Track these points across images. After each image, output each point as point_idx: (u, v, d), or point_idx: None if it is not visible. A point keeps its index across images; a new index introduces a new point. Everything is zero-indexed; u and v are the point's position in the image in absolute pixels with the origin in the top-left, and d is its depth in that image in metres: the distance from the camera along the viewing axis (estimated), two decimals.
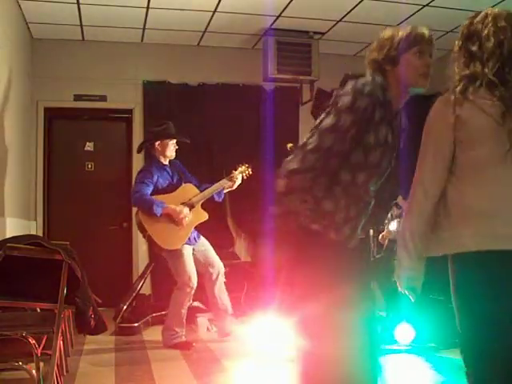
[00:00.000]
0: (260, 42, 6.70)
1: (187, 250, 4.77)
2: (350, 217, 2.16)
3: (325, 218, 2.13)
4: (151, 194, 4.73)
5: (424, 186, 2.09)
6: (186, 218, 4.73)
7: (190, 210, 4.79)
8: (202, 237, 4.94)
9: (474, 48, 2.06)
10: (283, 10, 5.86)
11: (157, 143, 4.90)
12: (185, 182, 4.96)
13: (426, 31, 2.25)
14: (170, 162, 4.95)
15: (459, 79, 2.10)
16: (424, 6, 5.63)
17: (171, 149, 4.92)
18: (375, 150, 2.14)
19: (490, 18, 2.08)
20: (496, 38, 2.03)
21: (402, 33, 2.21)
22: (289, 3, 5.66)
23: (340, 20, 6.11)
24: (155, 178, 4.81)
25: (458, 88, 2.06)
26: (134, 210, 6.70)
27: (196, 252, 4.87)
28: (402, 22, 6.07)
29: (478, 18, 2.11)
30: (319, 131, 2.12)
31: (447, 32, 6.18)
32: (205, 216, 4.95)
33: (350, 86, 2.13)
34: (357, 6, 5.71)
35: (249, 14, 5.92)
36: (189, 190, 4.94)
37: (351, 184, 2.16)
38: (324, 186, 2.14)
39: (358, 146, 2.13)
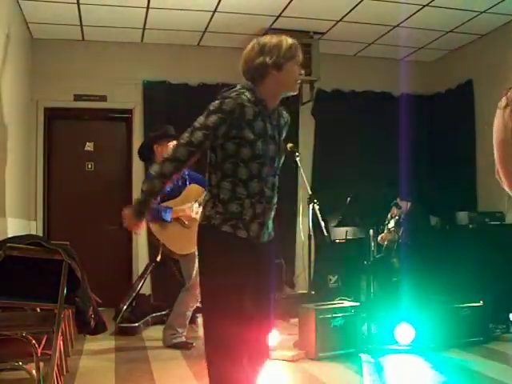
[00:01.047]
0: None
1: None
2: (257, 214, 2.45)
3: (232, 219, 2.41)
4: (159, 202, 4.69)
5: None
6: (196, 211, 4.69)
7: (200, 206, 4.77)
8: None
9: None
10: (283, 10, 5.87)
11: (155, 146, 4.86)
12: (190, 183, 4.94)
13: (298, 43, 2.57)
14: None
15: None
16: (424, 5, 5.63)
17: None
18: (258, 141, 2.42)
19: None
20: None
21: (285, 42, 2.51)
22: (289, 3, 5.66)
23: (340, 20, 6.11)
24: None
25: None
26: None
27: None
28: (402, 22, 6.08)
29: None
30: (191, 129, 2.42)
31: (447, 32, 6.18)
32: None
33: (224, 92, 2.46)
34: (357, 6, 5.71)
35: (249, 14, 5.93)
36: (194, 190, 4.90)
37: (249, 179, 2.43)
38: (228, 190, 2.43)
39: (242, 141, 2.41)
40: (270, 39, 2.54)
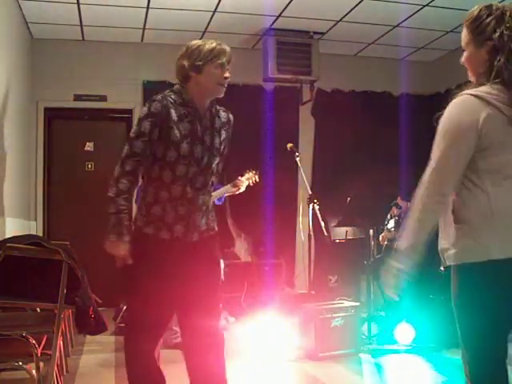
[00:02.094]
0: (260, 42, 6.70)
1: None
2: (180, 216, 2.52)
3: (155, 221, 2.53)
4: None
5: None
6: None
7: None
8: None
9: (499, 36, 1.98)
10: (283, 10, 5.86)
11: None
12: None
13: (227, 48, 2.66)
14: None
15: (478, 76, 2.03)
16: (424, 5, 5.63)
17: None
18: (183, 143, 2.48)
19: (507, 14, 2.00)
20: None
21: (208, 46, 2.58)
22: (289, 3, 5.66)
23: (340, 20, 6.11)
24: None
25: (479, 88, 1.97)
26: (135, 208, 6.71)
27: None
28: (402, 22, 6.08)
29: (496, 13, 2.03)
30: (128, 140, 2.52)
31: (447, 32, 6.18)
32: None
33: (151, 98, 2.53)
34: (357, 6, 5.71)
35: (249, 13, 5.92)
36: None
37: (172, 182, 2.50)
38: (152, 194, 2.54)
39: (168, 143, 2.47)
40: (195, 42, 2.60)
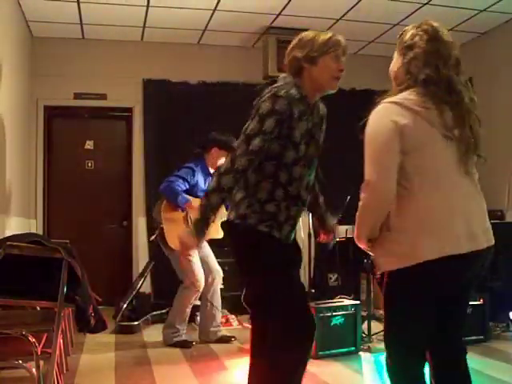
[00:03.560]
0: (260, 41, 6.69)
1: (194, 252, 4.76)
2: (291, 216, 2.47)
3: (268, 220, 2.42)
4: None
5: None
6: None
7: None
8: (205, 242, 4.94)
9: (431, 48, 2.09)
10: (283, 9, 5.86)
11: (214, 149, 4.84)
12: None
13: (342, 40, 2.50)
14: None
15: (402, 82, 2.12)
16: (424, 4, 5.63)
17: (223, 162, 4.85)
18: (301, 143, 2.39)
19: (438, 24, 2.16)
20: (450, 43, 2.14)
21: (323, 37, 2.44)
22: (289, 2, 5.66)
23: (340, 18, 6.11)
24: (196, 179, 4.75)
25: (401, 94, 2.07)
26: (135, 207, 6.71)
27: (199, 253, 4.86)
28: (401, 21, 6.07)
29: (427, 24, 2.15)
30: (246, 137, 2.35)
31: (447, 30, 6.17)
32: (220, 234, 4.93)
33: (267, 92, 2.37)
34: (357, 4, 5.71)
35: (249, 12, 5.92)
36: None
37: (289, 183, 2.42)
38: (266, 191, 2.42)
39: (287, 143, 2.37)
40: (309, 33, 2.48)
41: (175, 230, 4.68)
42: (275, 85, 2.42)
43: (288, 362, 2.41)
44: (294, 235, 2.59)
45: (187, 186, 4.71)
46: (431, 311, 2.07)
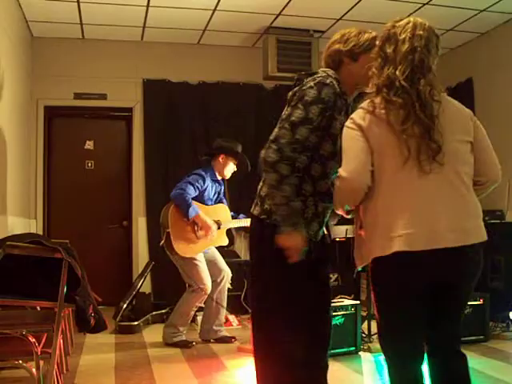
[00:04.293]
0: (260, 41, 6.69)
1: (200, 256, 4.77)
2: (318, 213, 2.36)
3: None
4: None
5: None
6: (213, 234, 4.76)
7: (217, 229, 4.82)
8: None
9: (389, 50, 2.11)
10: (283, 9, 5.86)
11: (221, 157, 4.86)
12: (218, 201, 4.98)
13: None
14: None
15: (373, 86, 2.15)
16: (424, 4, 5.63)
17: (230, 169, 4.90)
18: (339, 137, 2.23)
19: (410, 25, 2.12)
20: (410, 44, 2.09)
21: (367, 35, 2.41)
22: (289, 1, 5.65)
23: (340, 18, 6.11)
24: (205, 185, 4.78)
25: (369, 100, 2.12)
26: (135, 208, 6.71)
27: (205, 255, 4.86)
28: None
29: (401, 23, 2.14)
30: (291, 124, 2.24)
31: (447, 30, 6.17)
32: (226, 242, 5.00)
33: (310, 80, 2.31)
34: (357, 4, 5.71)
35: (249, 12, 5.92)
36: (223, 211, 4.97)
37: (320, 178, 2.33)
38: (294, 186, 2.25)
39: (327, 135, 2.30)
40: (352, 29, 2.44)
41: (182, 237, 4.69)
42: (318, 75, 2.35)
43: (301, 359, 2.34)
44: (323, 233, 2.44)
45: (197, 193, 4.74)
46: (406, 308, 2.08)
